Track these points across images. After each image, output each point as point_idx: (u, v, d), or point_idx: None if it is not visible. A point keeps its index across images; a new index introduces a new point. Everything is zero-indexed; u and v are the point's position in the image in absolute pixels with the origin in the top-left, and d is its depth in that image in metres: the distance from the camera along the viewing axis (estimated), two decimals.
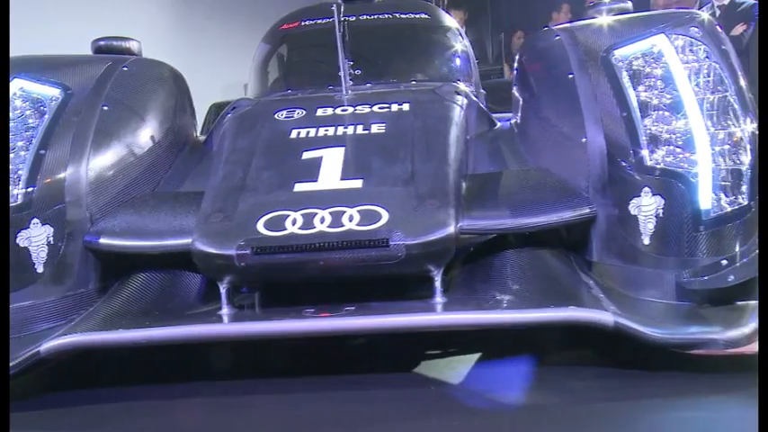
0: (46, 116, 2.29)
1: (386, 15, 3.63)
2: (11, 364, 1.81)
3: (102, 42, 3.86)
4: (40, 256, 2.12)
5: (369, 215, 1.93)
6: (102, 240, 2.19)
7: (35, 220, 2.11)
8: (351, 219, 1.93)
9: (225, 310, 2.01)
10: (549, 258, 2.22)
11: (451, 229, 1.92)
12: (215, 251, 1.91)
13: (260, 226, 1.94)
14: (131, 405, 1.88)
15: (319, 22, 3.62)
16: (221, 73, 5.65)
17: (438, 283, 1.97)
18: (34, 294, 2.10)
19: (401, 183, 2.09)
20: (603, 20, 2.58)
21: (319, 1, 3.96)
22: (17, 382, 1.84)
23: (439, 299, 1.98)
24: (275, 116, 2.62)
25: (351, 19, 3.53)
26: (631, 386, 1.81)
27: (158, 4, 6.08)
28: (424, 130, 2.41)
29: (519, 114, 2.82)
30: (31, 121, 2.28)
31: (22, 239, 2.09)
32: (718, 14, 4.24)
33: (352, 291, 2.06)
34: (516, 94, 2.92)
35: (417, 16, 3.71)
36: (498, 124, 2.96)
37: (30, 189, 2.13)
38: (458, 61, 3.71)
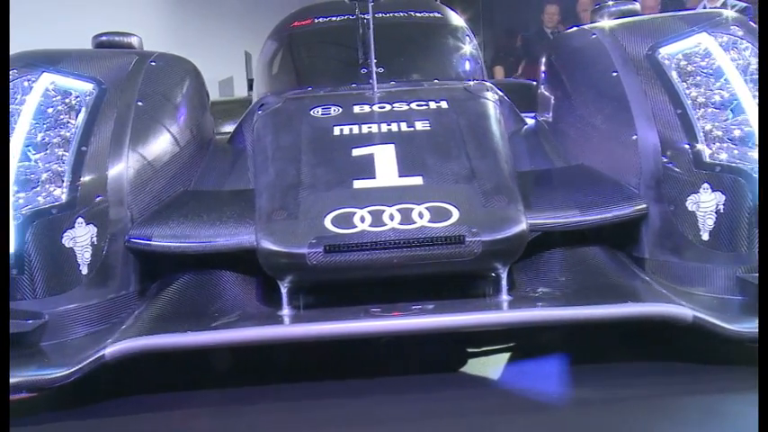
0: (82, 111, 2.19)
1: (402, 14, 3.59)
2: (72, 369, 1.72)
3: (103, 38, 3.73)
4: (84, 256, 2.02)
5: (439, 212, 1.90)
6: (146, 241, 2.10)
7: (80, 220, 2.01)
8: (420, 216, 1.89)
9: (286, 311, 1.95)
10: (599, 255, 2.22)
11: (524, 226, 1.90)
12: (284, 249, 1.84)
13: (327, 223, 1.88)
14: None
15: (334, 19, 3.56)
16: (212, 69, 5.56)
17: (504, 281, 1.95)
18: (79, 297, 2.00)
19: (463, 179, 2.06)
20: (640, 19, 2.61)
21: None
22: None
23: (505, 296, 1.96)
24: (311, 113, 2.56)
25: (366, 17, 3.50)
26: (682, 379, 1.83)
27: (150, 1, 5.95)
28: (470, 126, 2.39)
29: (551, 113, 2.82)
30: (64, 117, 2.18)
31: (67, 240, 1.98)
32: None
33: (401, 290, 2.03)
34: (546, 92, 2.92)
35: (432, 15, 3.68)
36: (529, 121, 2.96)
37: (73, 187, 2.03)
38: (471, 61, 3.69)
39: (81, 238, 2.01)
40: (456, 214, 1.89)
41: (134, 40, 3.48)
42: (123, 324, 1.99)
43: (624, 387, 1.82)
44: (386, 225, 1.86)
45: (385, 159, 2.18)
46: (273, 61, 3.72)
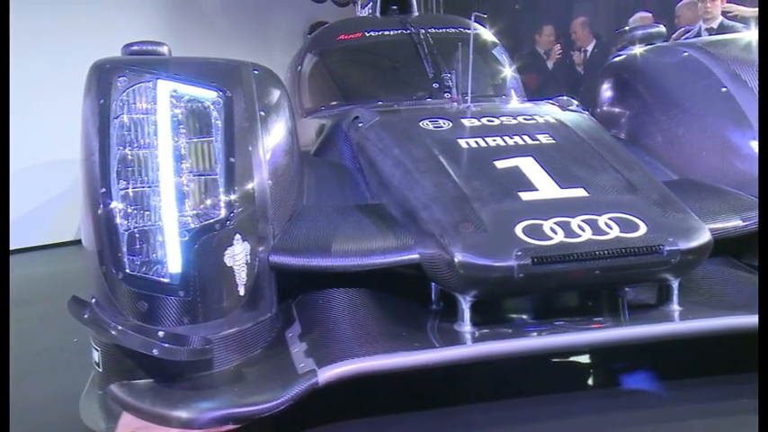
0: (219, 120, 2.02)
1: (452, 29, 3.58)
2: (284, 398, 1.58)
3: (135, 46, 3.54)
4: (241, 276, 1.86)
5: (626, 223, 1.88)
6: (294, 259, 1.96)
7: (237, 236, 1.85)
8: (609, 226, 1.86)
9: (467, 328, 1.86)
10: (728, 264, 2.26)
11: (709, 236, 1.91)
12: (488, 263, 1.76)
13: (521, 235, 1.82)
14: None
15: (386, 33, 3.51)
16: None
17: (676, 291, 1.95)
18: (237, 321, 1.84)
19: (625, 191, 2.05)
20: (732, 37, 2.72)
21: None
22: None
23: (676, 306, 1.95)
24: (421, 125, 2.50)
25: (420, 32, 3.48)
26: None
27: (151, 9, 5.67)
28: (594, 139, 2.39)
29: (624, 129, 2.88)
30: (202, 125, 2.00)
31: (228, 258, 1.82)
32: None
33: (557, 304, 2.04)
34: (617, 110, 2.99)
35: (473, 31, 3.69)
36: None
37: (229, 201, 1.87)
38: (514, 77, 3.74)
39: (238, 256, 1.85)
40: (643, 225, 1.87)
41: (165, 50, 3.30)
42: (288, 345, 1.85)
43: None
44: (581, 236, 1.82)
45: (533, 171, 2.14)
46: (318, 75, 3.61)
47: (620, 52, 3.58)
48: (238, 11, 6.00)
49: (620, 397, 1.93)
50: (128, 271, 1.74)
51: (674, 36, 4.59)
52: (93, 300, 1.80)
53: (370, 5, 4.19)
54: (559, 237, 1.82)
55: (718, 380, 1.94)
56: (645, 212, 1.93)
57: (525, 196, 2.01)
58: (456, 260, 1.79)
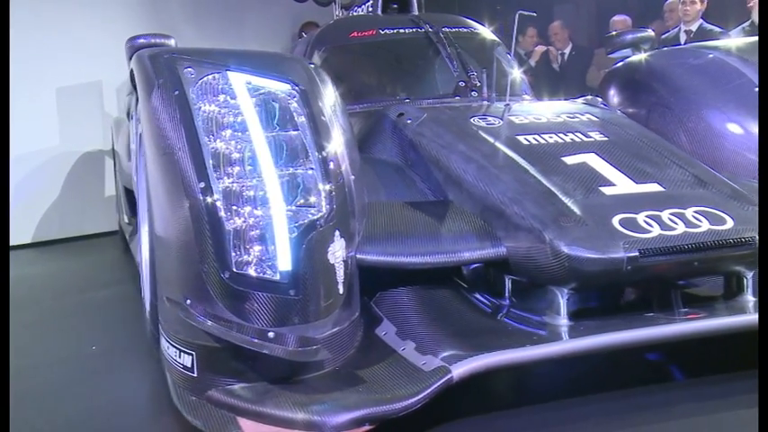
0: (300, 113, 1.95)
1: (464, 29, 3.60)
2: (421, 396, 1.55)
3: (141, 39, 3.41)
4: (340, 274, 1.80)
5: (712, 216, 1.94)
6: (380, 257, 1.93)
7: (337, 233, 1.80)
8: (698, 219, 1.92)
9: (564, 321, 1.88)
10: None
11: None
12: (597, 255, 1.78)
13: (620, 228, 1.85)
14: None
15: (401, 31, 3.48)
16: None
17: (751, 282, 2.03)
18: (338, 320, 1.79)
19: (696, 185, 2.12)
20: (752, 40, 2.86)
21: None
22: None
23: (750, 297, 2.04)
24: (472, 122, 2.51)
25: (439, 30, 3.48)
26: None
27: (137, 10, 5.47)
28: (640, 136, 2.46)
29: (651, 127, 2.98)
30: (286, 118, 1.93)
31: (331, 255, 1.76)
32: (684, 40, 4.74)
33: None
34: (635, 109, 3.08)
35: (481, 31, 3.72)
36: None
37: (329, 196, 1.81)
38: (524, 77, 3.79)
39: (338, 253, 1.80)
40: (728, 218, 1.94)
41: (172, 42, 3.19)
42: (389, 344, 1.82)
43: None
44: (676, 229, 1.87)
45: (602, 167, 2.18)
46: (331, 73, 3.54)
47: (613, 53, 3.71)
48: (220, 11, 5.84)
49: (622, 399, 1.88)
50: (234, 269, 1.66)
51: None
52: (188, 301, 1.71)
53: (368, 4, 4.16)
54: (656, 230, 1.86)
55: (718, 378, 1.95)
56: (725, 206, 2.00)
57: (607, 191, 2.05)
58: (563, 253, 1.80)
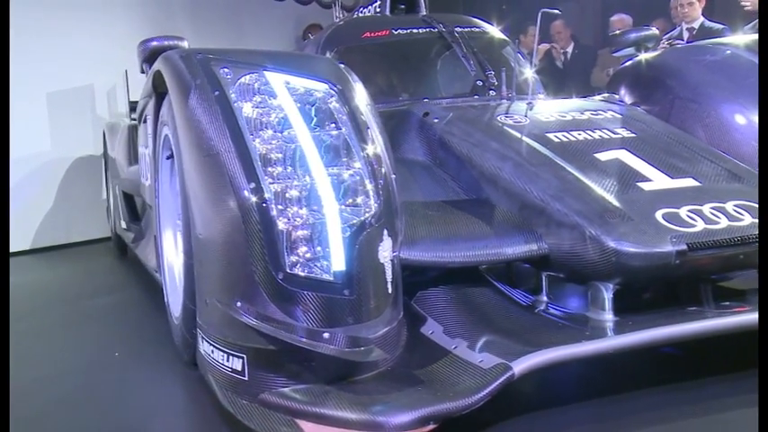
0: (340, 113, 1.94)
1: (477, 29, 3.60)
2: (484, 393, 1.54)
3: (154, 42, 3.39)
4: (388, 273, 1.80)
5: (753, 210, 1.96)
6: (423, 255, 1.93)
7: (385, 231, 1.79)
8: (739, 213, 1.94)
9: (609, 316, 1.89)
10: None
11: None
12: (646, 250, 1.79)
13: (665, 223, 1.86)
14: None
15: (414, 31, 3.48)
16: None
17: None
18: (388, 320, 1.78)
19: (730, 180, 2.14)
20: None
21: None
22: None
23: None
24: (500, 120, 2.51)
25: (453, 30, 3.48)
26: None
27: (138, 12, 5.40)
28: (667, 132, 2.48)
29: (667, 122, 3.01)
30: (327, 117, 1.92)
31: (381, 255, 1.76)
32: (687, 38, 4.79)
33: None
34: (649, 106, 3.09)
35: (490, 30, 3.73)
36: None
37: (377, 194, 1.80)
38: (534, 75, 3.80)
39: (386, 252, 1.79)
40: None
41: (185, 44, 3.17)
42: (438, 343, 1.81)
43: None
44: (719, 223, 1.89)
45: (635, 163, 2.20)
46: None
47: (617, 53, 3.73)
48: (221, 14, 5.80)
49: (623, 400, 1.86)
50: (288, 270, 1.65)
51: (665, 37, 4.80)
52: (238, 303, 1.69)
53: (375, 4, 4.16)
54: (701, 224, 1.87)
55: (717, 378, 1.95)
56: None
57: (644, 186, 2.06)
58: (610, 248, 1.81)
